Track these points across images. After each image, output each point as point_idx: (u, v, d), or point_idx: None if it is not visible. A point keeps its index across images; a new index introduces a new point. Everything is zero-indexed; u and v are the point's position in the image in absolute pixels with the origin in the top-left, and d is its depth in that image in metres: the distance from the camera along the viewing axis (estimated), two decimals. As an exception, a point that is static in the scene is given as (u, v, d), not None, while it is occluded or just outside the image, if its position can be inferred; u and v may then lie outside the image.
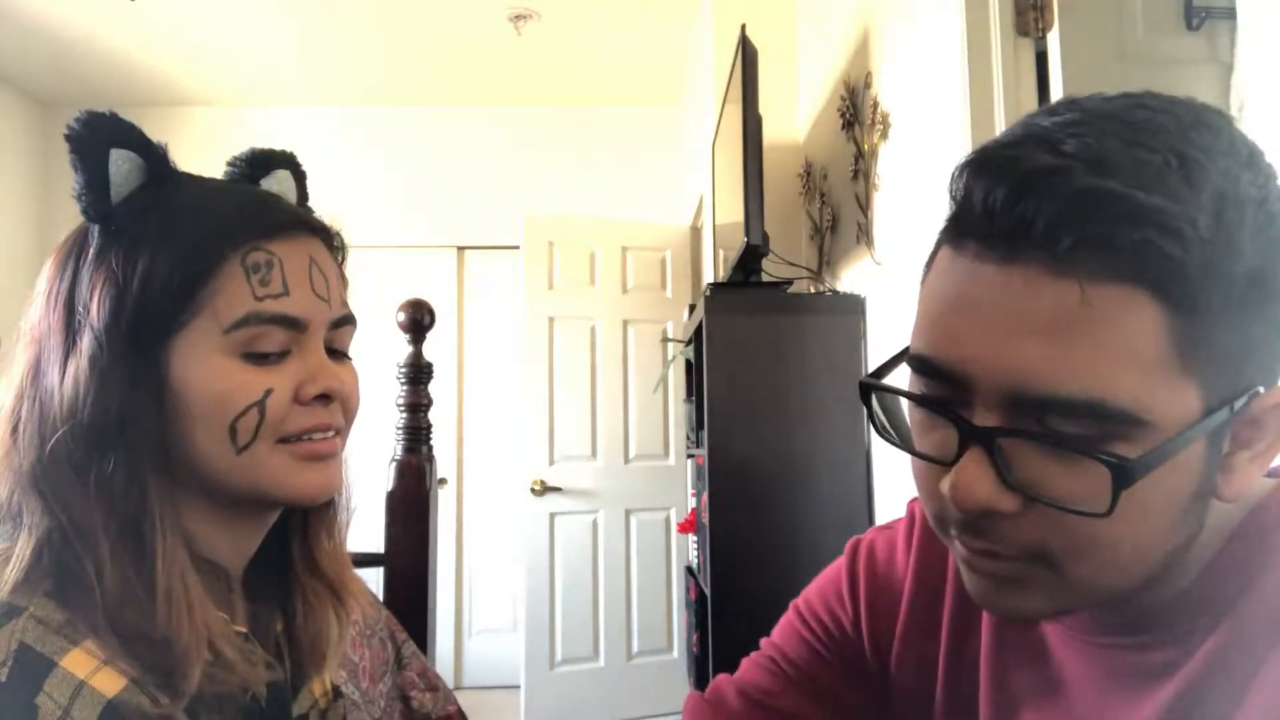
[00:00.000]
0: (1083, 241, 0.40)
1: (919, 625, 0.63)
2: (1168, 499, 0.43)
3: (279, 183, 0.69)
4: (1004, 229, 0.42)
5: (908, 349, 0.49)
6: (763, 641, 0.73)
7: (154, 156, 0.60)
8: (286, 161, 0.70)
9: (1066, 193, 0.40)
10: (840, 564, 0.70)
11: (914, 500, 0.68)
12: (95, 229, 0.59)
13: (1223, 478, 0.44)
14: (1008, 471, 0.43)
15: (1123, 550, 0.43)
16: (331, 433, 0.64)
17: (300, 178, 0.71)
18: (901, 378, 0.51)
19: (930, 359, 0.46)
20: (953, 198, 0.46)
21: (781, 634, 0.71)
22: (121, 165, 0.59)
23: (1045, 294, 0.41)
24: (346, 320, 0.66)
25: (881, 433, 0.51)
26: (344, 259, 0.68)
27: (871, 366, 1.99)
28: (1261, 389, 0.43)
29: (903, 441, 0.50)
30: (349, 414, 0.66)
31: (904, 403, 0.50)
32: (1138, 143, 0.42)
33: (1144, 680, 0.49)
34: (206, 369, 0.58)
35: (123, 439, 0.55)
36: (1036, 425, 0.42)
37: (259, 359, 0.59)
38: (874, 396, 0.50)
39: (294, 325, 0.61)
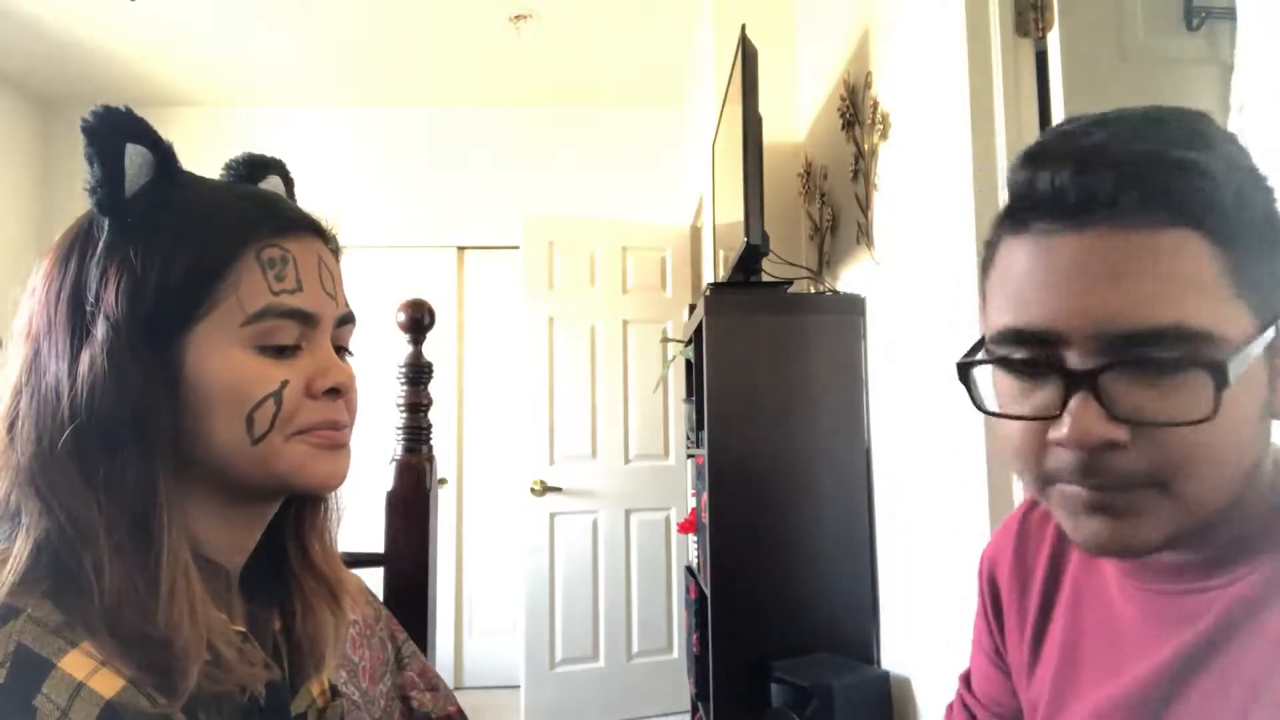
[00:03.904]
0: (1143, 196, 0.48)
1: (1018, 599, 0.71)
2: (1246, 410, 0.50)
3: (271, 188, 0.70)
4: (1074, 201, 0.49)
5: (983, 339, 0.56)
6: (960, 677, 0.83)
7: (163, 153, 0.61)
8: (277, 167, 0.72)
9: (1122, 158, 0.49)
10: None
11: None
12: (105, 223, 0.59)
13: (1275, 396, 0.52)
14: (1114, 406, 0.48)
15: (1220, 459, 0.49)
16: (342, 426, 0.65)
17: (289, 183, 0.73)
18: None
19: (1023, 328, 0.52)
20: (1013, 190, 0.53)
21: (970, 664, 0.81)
22: (134, 160, 0.59)
23: (1118, 246, 0.48)
24: (349, 319, 0.67)
25: (980, 408, 0.56)
26: (339, 259, 0.69)
27: (872, 366, 2.00)
28: None
29: (1002, 411, 0.55)
30: (352, 411, 0.67)
31: (989, 385, 0.56)
32: (1160, 120, 0.51)
33: (1176, 624, 0.55)
34: (223, 361, 0.58)
35: (137, 432, 0.56)
36: (1131, 357, 0.48)
37: (274, 352, 0.60)
38: (970, 374, 0.56)
39: (307, 320, 0.62)
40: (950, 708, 0.83)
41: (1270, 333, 0.50)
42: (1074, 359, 0.50)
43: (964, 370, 0.56)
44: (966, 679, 0.81)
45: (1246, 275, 0.49)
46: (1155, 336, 0.47)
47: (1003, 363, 0.54)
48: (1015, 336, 0.52)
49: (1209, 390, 0.47)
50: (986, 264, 0.57)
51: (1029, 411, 0.53)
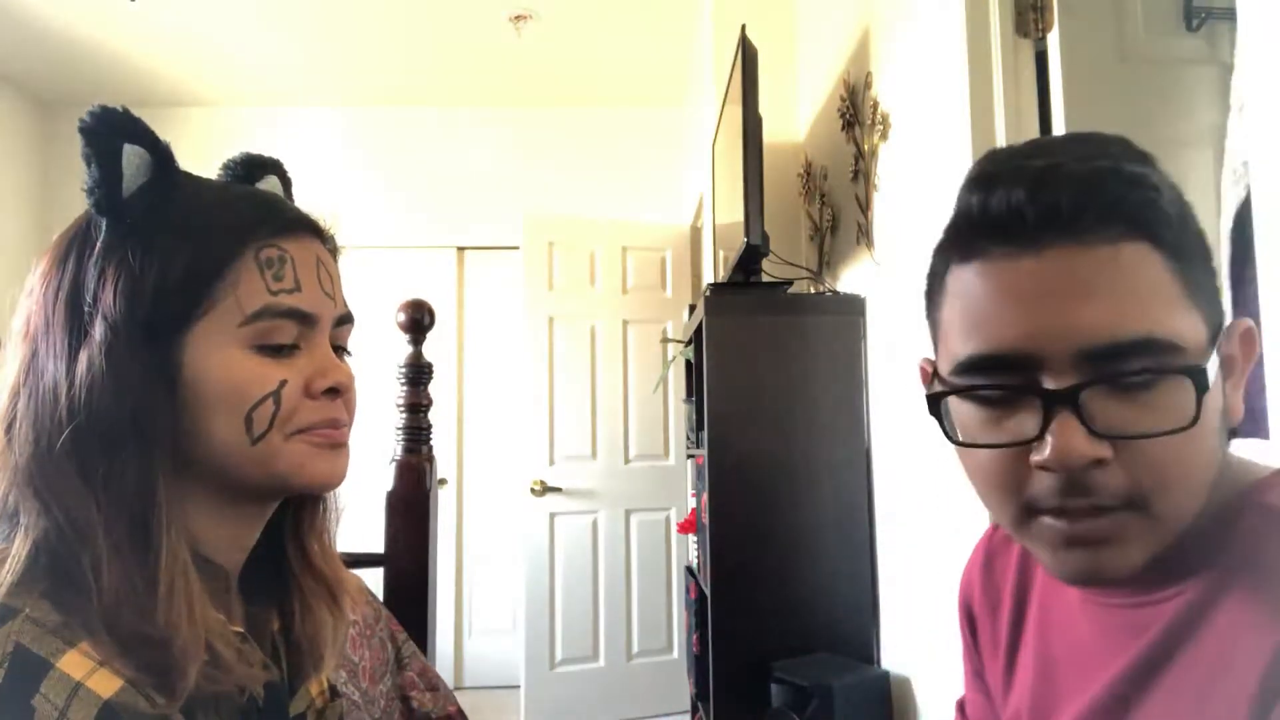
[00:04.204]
0: (1101, 211, 0.48)
1: (990, 623, 0.72)
2: (1213, 420, 0.50)
3: (269, 188, 0.70)
4: (1033, 221, 0.49)
5: (935, 371, 0.56)
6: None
7: (161, 153, 0.61)
8: (275, 167, 0.72)
9: (1077, 175, 0.49)
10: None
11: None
12: (102, 223, 0.59)
13: (1229, 404, 0.53)
14: (1096, 423, 0.48)
15: (1195, 472, 0.50)
16: (341, 426, 0.65)
17: (288, 184, 0.73)
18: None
19: (994, 352, 0.51)
20: (963, 216, 0.53)
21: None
22: (132, 160, 0.59)
23: (1083, 263, 0.48)
24: (347, 319, 0.67)
25: (954, 440, 0.55)
26: (337, 260, 0.69)
27: (872, 367, 2.00)
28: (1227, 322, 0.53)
29: (972, 444, 0.54)
30: (351, 411, 0.67)
31: (960, 414, 0.55)
32: (1100, 141, 0.53)
33: (1129, 636, 0.55)
34: (222, 360, 0.58)
35: (135, 432, 0.56)
36: (1109, 372, 0.48)
37: (272, 352, 0.60)
38: (941, 407, 0.55)
39: (306, 320, 0.62)
40: None
41: (1219, 341, 0.51)
42: (1050, 379, 0.49)
43: (934, 403, 0.55)
44: (962, 706, 0.80)
45: (1195, 285, 0.50)
46: (1130, 349, 0.47)
47: (974, 391, 0.53)
48: (985, 363, 0.51)
49: (1190, 398, 0.47)
50: (934, 294, 0.57)
51: (1005, 439, 0.51)
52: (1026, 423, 0.50)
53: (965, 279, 0.52)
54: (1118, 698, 0.55)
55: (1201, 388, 0.47)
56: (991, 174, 0.52)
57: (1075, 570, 0.52)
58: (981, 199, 0.51)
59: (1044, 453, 0.49)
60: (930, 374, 0.59)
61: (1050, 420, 0.49)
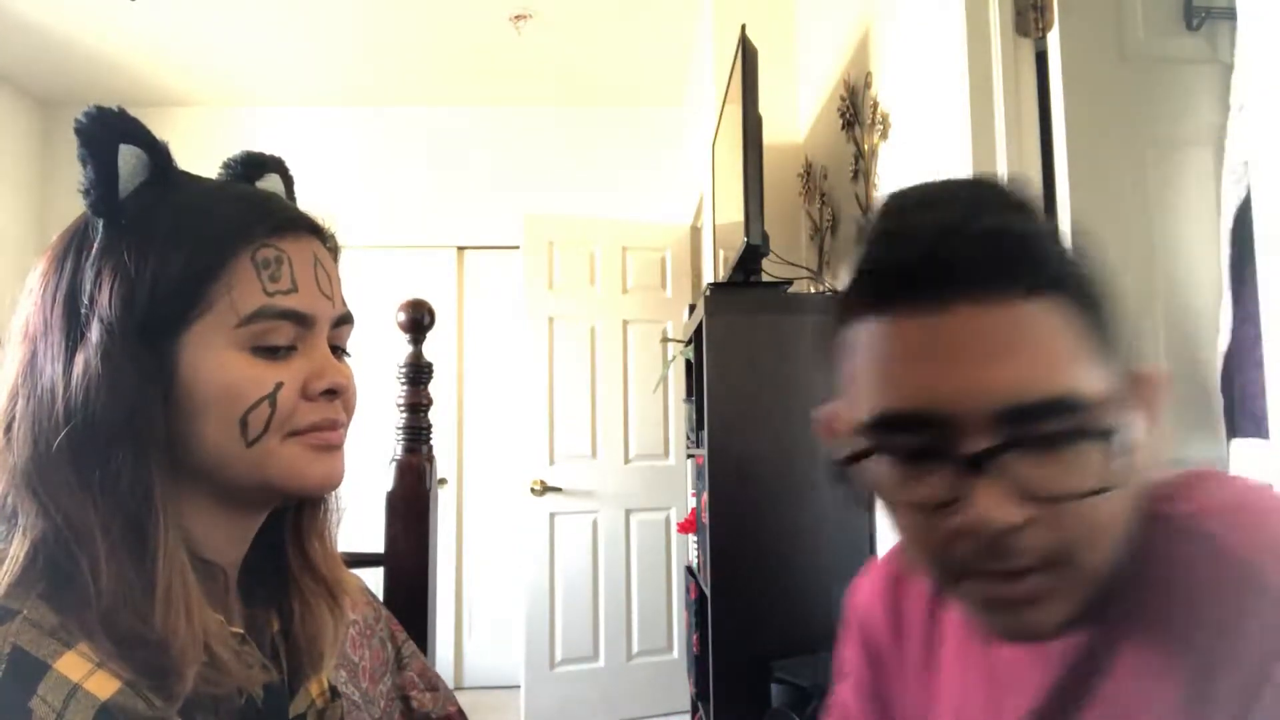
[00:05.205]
0: (1002, 269, 0.47)
1: (897, 650, 0.70)
2: (1125, 465, 0.49)
3: (270, 186, 0.70)
4: (936, 281, 0.47)
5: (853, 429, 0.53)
6: None
7: (158, 153, 0.60)
8: (277, 165, 0.71)
9: (973, 236, 0.48)
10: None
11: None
12: (99, 224, 0.58)
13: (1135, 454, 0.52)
14: (1017, 485, 0.46)
15: (1113, 524, 0.49)
16: (338, 427, 0.64)
17: (289, 182, 0.72)
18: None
19: (905, 411, 0.49)
20: (864, 272, 0.51)
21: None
22: (129, 161, 0.59)
23: (991, 322, 0.47)
24: (346, 319, 0.67)
25: (864, 502, 0.54)
26: (337, 259, 0.69)
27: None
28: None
29: (888, 502, 0.52)
30: (349, 411, 0.66)
31: (877, 472, 0.52)
32: (988, 189, 0.52)
33: (1044, 665, 0.54)
34: (217, 362, 0.58)
35: (131, 433, 0.55)
36: (1028, 433, 0.46)
37: (268, 353, 0.60)
38: (849, 471, 0.53)
39: (302, 321, 0.61)
40: None
41: (1123, 390, 0.50)
42: (966, 442, 0.47)
43: (844, 466, 0.53)
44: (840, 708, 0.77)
45: (1101, 335, 0.49)
46: (1045, 410, 0.46)
47: (890, 450, 0.50)
48: (899, 422, 0.49)
49: (1105, 457, 0.46)
50: (833, 348, 0.54)
51: (923, 498, 0.49)
52: (943, 485, 0.48)
53: (871, 334, 0.51)
54: None
55: (1117, 449, 0.46)
56: (888, 232, 0.51)
57: (1003, 630, 0.51)
58: (880, 257, 0.50)
59: (964, 518, 0.47)
60: (833, 429, 0.56)
61: (967, 485, 0.47)
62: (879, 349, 0.50)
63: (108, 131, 0.58)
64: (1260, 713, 0.44)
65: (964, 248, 0.48)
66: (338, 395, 0.63)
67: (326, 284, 0.64)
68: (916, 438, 0.49)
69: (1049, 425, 0.46)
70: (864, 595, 0.74)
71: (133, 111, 0.59)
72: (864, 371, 0.51)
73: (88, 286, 0.57)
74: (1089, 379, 0.47)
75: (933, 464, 0.49)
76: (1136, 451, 0.49)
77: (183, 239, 0.58)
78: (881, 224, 0.52)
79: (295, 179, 0.73)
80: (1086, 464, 0.47)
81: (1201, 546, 0.49)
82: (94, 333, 0.56)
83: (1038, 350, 0.47)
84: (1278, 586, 0.45)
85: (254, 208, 0.63)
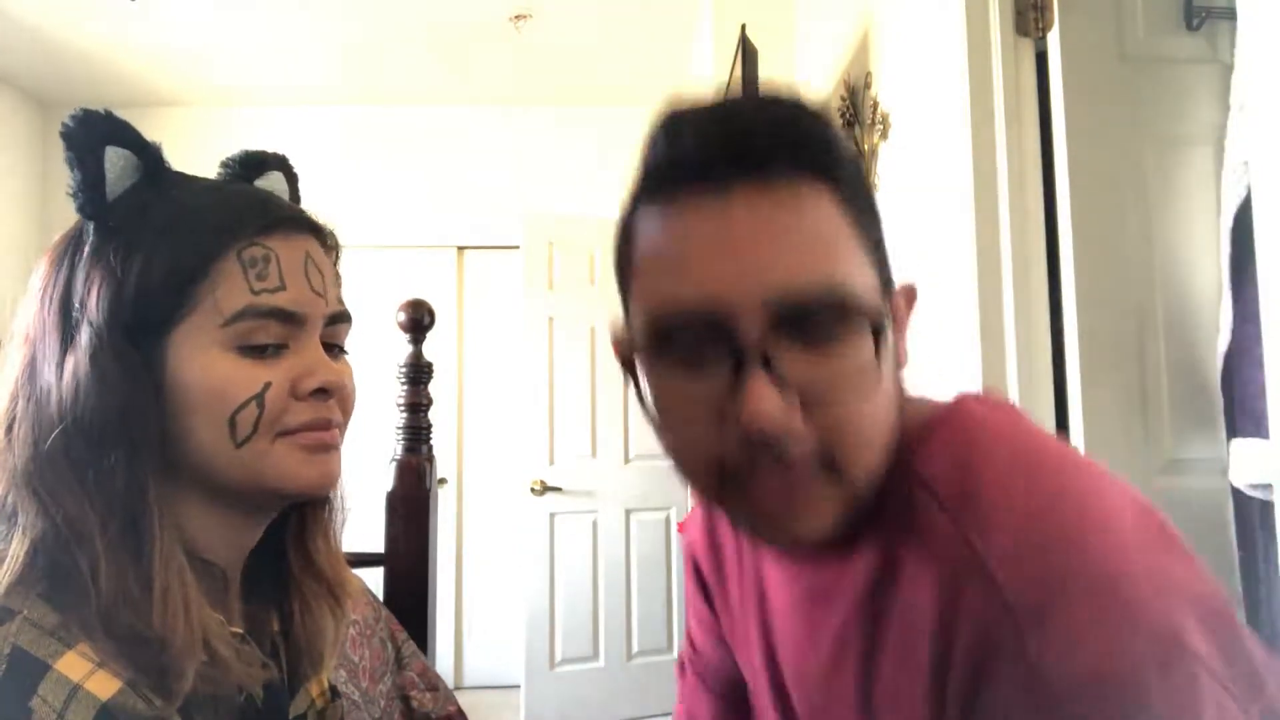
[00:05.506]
0: (788, 152, 0.48)
1: (718, 580, 0.72)
2: (890, 367, 0.50)
3: (272, 184, 0.69)
4: (724, 162, 0.47)
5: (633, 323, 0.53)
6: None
7: (148, 154, 0.60)
8: (279, 163, 0.71)
9: (765, 116, 0.49)
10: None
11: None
12: (90, 226, 0.59)
13: (898, 365, 0.53)
14: (785, 380, 0.46)
15: (877, 429, 0.50)
16: (331, 426, 0.64)
17: (293, 179, 0.72)
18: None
19: (685, 303, 0.48)
20: (652, 159, 0.51)
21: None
22: (116, 163, 0.59)
23: (766, 205, 0.47)
24: (342, 317, 0.66)
25: (646, 407, 0.52)
26: (338, 257, 0.68)
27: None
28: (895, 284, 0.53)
29: (665, 408, 0.51)
30: (346, 410, 0.66)
31: (654, 382, 0.52)
32: (780, 92, 0.53)
33: (826, 602, 0.55)
34: (204, 363, 0.58)
35: (123, 435, 0.55)
36: (798, 326, 0.47)
37: (256, 352, 0.59)
38: (635, 369, 0.52)
39: (290, 319, 0.61)
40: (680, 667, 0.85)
41: (889, 295, 0.52)
42: (741, 334, 0.46)
43: (629, 364, 0.52)
44: (683, 664, 0.83)
45: (868, 237, 0.50)
46: (815, 299, 0.46)
47: (666, 346, 0.49)
48: (678, 316, 0.48)
49: (871, 355, 0.47)
50: (624, 245, 0.54)
51: (697, 399, 0.48)
52: (717, 383, 0.48)
53: (655, 223, 0.50)
54: (824, 662, 0.55)
55: (880, 342, 0.47)
56: (681, 117, 0.51)
57: (769, 531, 0.52)
58: (670, 142, 0.50)
59: (737, 410, 0.46)
60: (621, 342, 0.58)
61: (742, 377, 0.46)
62: (665, 237, 0.50)
63: (92, 134, 0.58)
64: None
65: (755, 127, 0.48)
66: (330, 394, 0.63)
67: (319, 281, 0.63)
68: (695, 334, 0.48)
69: (821, 316, 0.47)
70: (690, 530, 0.76)
71: (133, 112, 0.59)
72: (648, 267, 0.51)
73: (79, 289, 0.57)
74: (857, 275, 0.48)
75: (709, 361, 0.48)
76: (897, 360, 0.51)
77: (168, 239, 0.58)
78: (670, 114, 0.52)
79: (299, 177, 0.73)
80: (857, 361, 0.47)
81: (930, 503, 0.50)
82: (83, 335, 0.56)
83: (816, 237, 0.47)
84: (999, 551, 0.45)
85: (245, 206, 0.62)
